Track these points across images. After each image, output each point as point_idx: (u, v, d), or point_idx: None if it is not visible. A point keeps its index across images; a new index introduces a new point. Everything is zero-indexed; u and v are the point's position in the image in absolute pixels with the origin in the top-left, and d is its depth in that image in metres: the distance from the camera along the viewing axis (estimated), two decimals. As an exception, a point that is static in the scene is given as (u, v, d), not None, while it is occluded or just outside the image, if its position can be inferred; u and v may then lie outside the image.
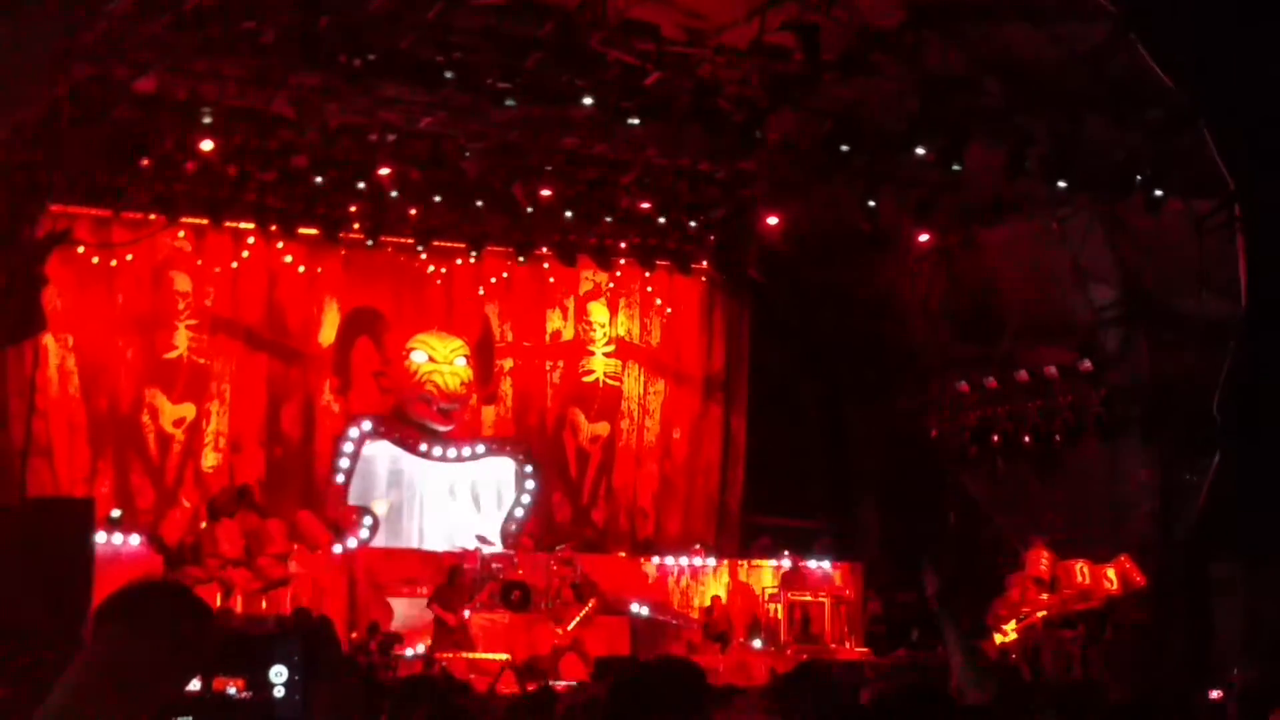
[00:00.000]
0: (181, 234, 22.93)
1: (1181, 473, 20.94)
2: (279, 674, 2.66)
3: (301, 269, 23.84)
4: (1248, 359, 19.64)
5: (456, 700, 8.22)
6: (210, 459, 23.30)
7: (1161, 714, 5.89)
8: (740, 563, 24.41)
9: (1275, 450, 19.37)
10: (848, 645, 23.29)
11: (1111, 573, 21.20)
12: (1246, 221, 19.46)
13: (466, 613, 21.15)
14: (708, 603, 23.30)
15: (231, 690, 2.72)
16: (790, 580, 23.80)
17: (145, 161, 20.77)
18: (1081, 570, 21.38)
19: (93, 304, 22.61)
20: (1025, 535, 22.47)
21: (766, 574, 24.16)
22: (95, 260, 22.41)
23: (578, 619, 21.07)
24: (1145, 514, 21.70)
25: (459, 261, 24.69)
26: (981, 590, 22.36)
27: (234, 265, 23.47)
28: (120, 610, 2.86)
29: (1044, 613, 21.23)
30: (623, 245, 25.18)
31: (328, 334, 24.21)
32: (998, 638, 21.54)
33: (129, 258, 22.73)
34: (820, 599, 23.72)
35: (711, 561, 24.27)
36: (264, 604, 20.95)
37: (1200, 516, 20.43)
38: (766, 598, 23.83)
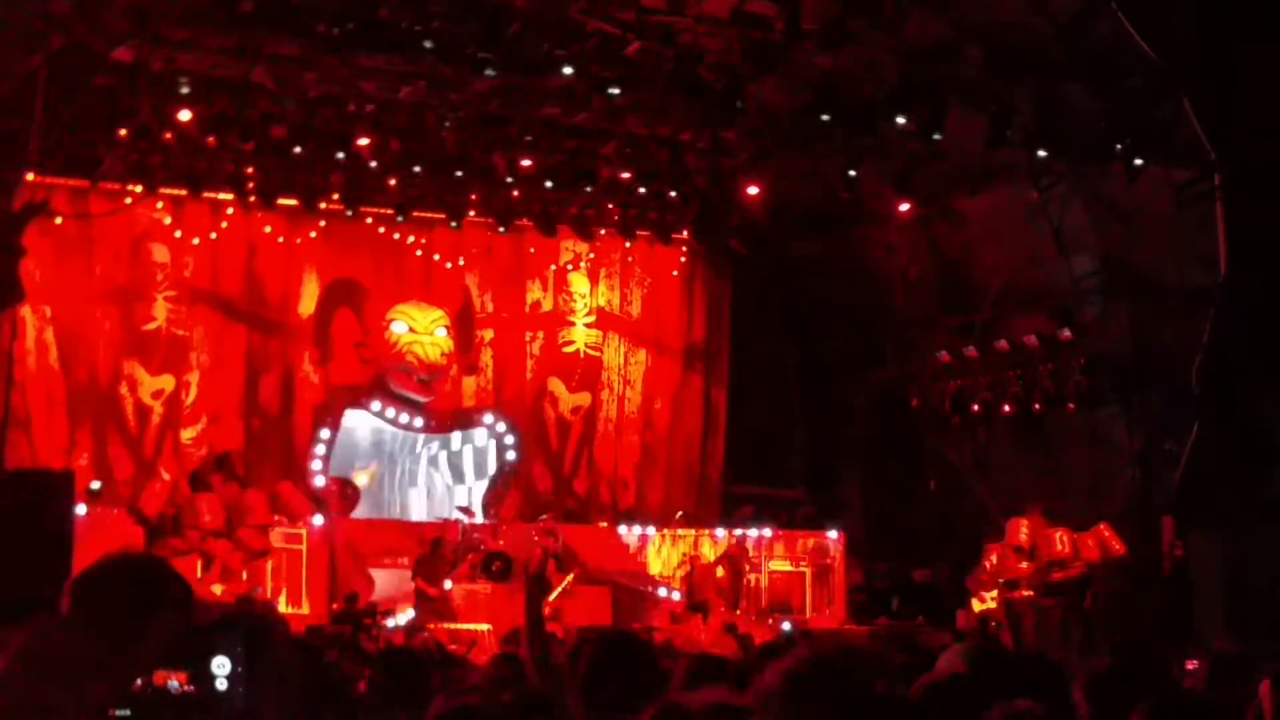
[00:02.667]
0: (160, 205, 22.83)
1: (1161, 442, 21.00)
2: (221, 666, 2.62)
3: (281, 240, 23.78)
4: (1227, 328, 19.67)
5: (451, 673, 8.22)
6: (189, 431, 23.25)
7: (1140, 681, 5.89)
8: (721, 532, 24.42)
9: (1253, 419, 19.43)
10: (828, 614, 23.35)
11: (1091, 541, 21.26)
12: (1226, 191, 19.47)
13: (448, 583, 21.16)
14: (687, 568, 23.30)
15: (173, 684, 2.67)
16: (773, 548, 23.82)
17: (123, 132, 20.65)
18: (1061, 539, 21.43)
19: (71, 275, 22.51)
20: (1005, 504, 22.51)
21: (748, 543, 24.17)
22: (73, 231, 22.31)
23: (559, 589, 21.08)
24: (1125, 483, 21.76)
25: (439, 232, 24.62)
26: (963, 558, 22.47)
27: (213, 236, 23.40)
28: (88, 591, 2.81)
29: (1023, 581, 21.29)
30: (603, 215, 25.13)
31: (307, 305, 24.15)
32: (977, 605, 21.61)
33: (107, 229, 22.61)
34: (801, 568, 23.77)
35: (692, 531, 24.27)
36: (245, 575, 20.93)
37: (1179, 485, 20.49)
38: (747, 567, 23.85)
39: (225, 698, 2.59)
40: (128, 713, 2.66)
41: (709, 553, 23.71)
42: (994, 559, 21.76)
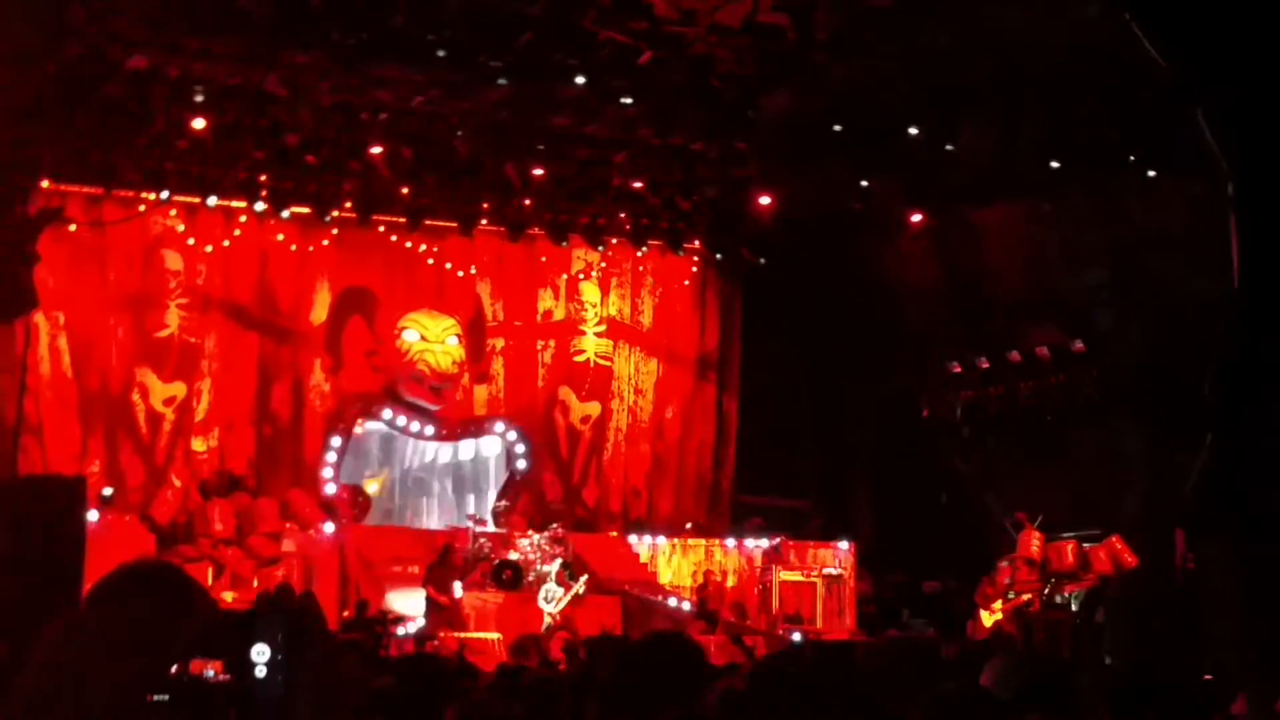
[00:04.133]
0: (173, 212, 22.84)
1: (1173, 453, 20.95)
2: (261, 653, 2.62)
3: (293, 248, 23.78)
4: (1239, 340, 19.63)
5: (466, 683, 8.20)
6: (200, 442, 23.24)
7: (1154, 695, 5.89)
8: (731, 542, 24.40)
9: (1267, 431, 19.38)
10: (839, 625, 23.30)
11: (1103, 553, 21.23)
12: (1239, 201, 19.44)
13: (458, 590, 21.14)
14: (700, 580, 23.29)
15: (210, 673, 2.67)
16: (772, 558, 23.80)
17: (137, 139, 20.71)
18: (1072, 551, 21.41)
19: (84, 282, 22.53)
20: (1017, 516, 22.47)
21: (758, 554, 24.15)
22: (87, 238, 22.34)
23: (568, 598, 21.07)
24: (1136, 495, 21.73)
25: (451, 240, 24.63)
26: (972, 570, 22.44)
27: (225, 244, 23.41)
28: (111, 591, 2.83)
29: (1031, 594, 21.25)
30: (615, 225, 25.12)
31: (319, 313, 24.16)
32: (986, 617, 21.57)
33: (120, 236, 22.64)
34: (812, 579, 23.73)
35: (703, 541, 24.25)
36: (255, 583, 20.94)
37: (1191, 498, 20.44)
38: (758, 578, 23.84)
39: (263, 685, 2.59)
40: (166, 698, 2.66)
41: (724, 560, 23.74)
42: (1006, 571, 21.73)
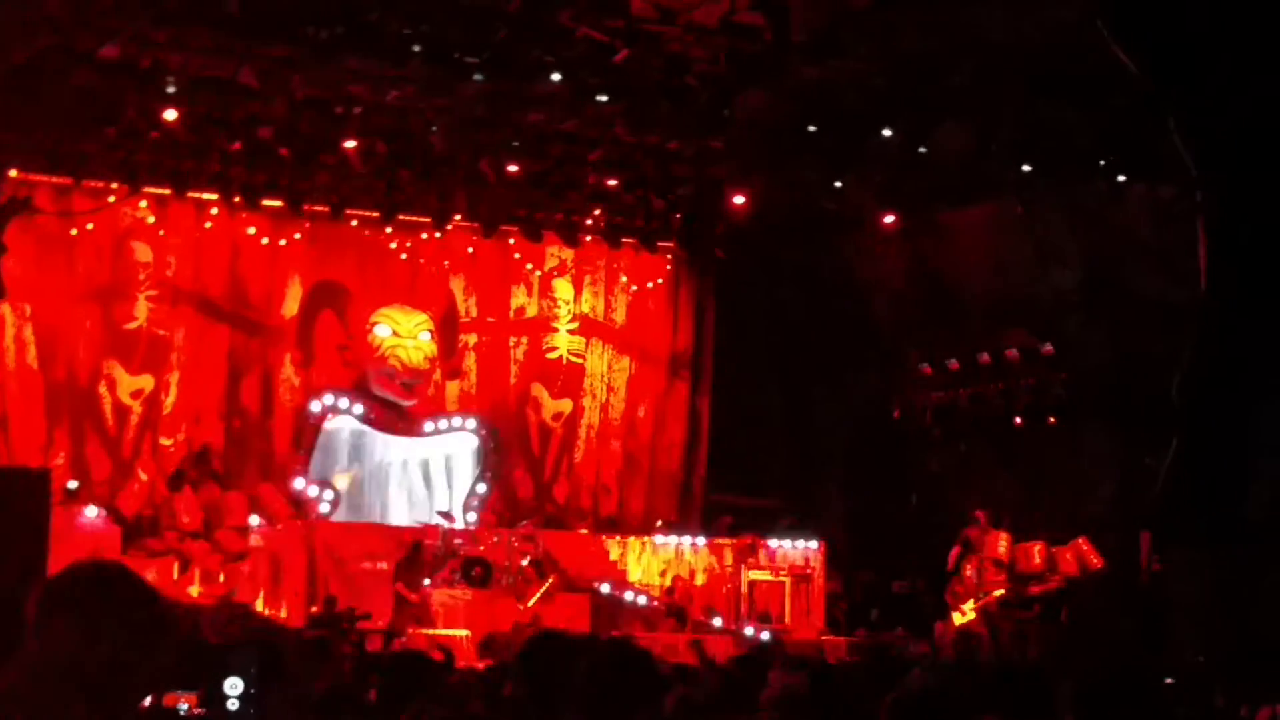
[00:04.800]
0: (143, 204, 22.76)
1: (1141, 457, 21.02)
2: (234, 686, 2.60)
3: (265, 241, 23.71)
4: (1208, 344, 19.71)
5: (444, 678, 8.19)
6: (168, 431, 23.16)
7: (1119, 697, 5.91)
8: (702, 541, 24.42)
9: (1234, 435, 19.46)
10: (807, 624, 23.34)
11: (1069, 555, 21.30)
12: (1207, 207, 19.52)
13: (427, 584, 21.11)
14: (669, 581, 23.31)
15: (183, 706, 2.66)
16: (745, 556, 23.83)
17: (108, 130, 20.61)
18: (1039, 552, 21.49)
19: (52, 273, 22.44)
20: (985, 516, 22.53)
21: (728, 553, 24.18)
22: (55, 229, 22.24)
23: (538, 595, 21.06)
24: (1104, 497, 21.81)
25: (424, 236, 24.58)
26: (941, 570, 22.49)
27: (196, 236, 23.33)
28: (70, 601, 2.77)
29: (1000, 593, 21.32)
30: (589, 222, 25.11)
31: (290, 307, 24.09)
32: (956, 618, 21.63)
33: (90, 227, 22.55)
34: (780, 578, 23.77)
35: (673, 540, 24.26)
36: (222, 577, 20.87)
37: (1158, 501, 20.51)
38: (727, 576, 23.86)
39: (236, 717, 2.58)
40: None
41: (694, 559, 23.78)
42: (974, 572, 21.79)
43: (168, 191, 22.40)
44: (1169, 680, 10.22)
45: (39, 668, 2.60)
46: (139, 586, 2.89)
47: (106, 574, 2.83)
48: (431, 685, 6.67)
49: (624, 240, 25.63)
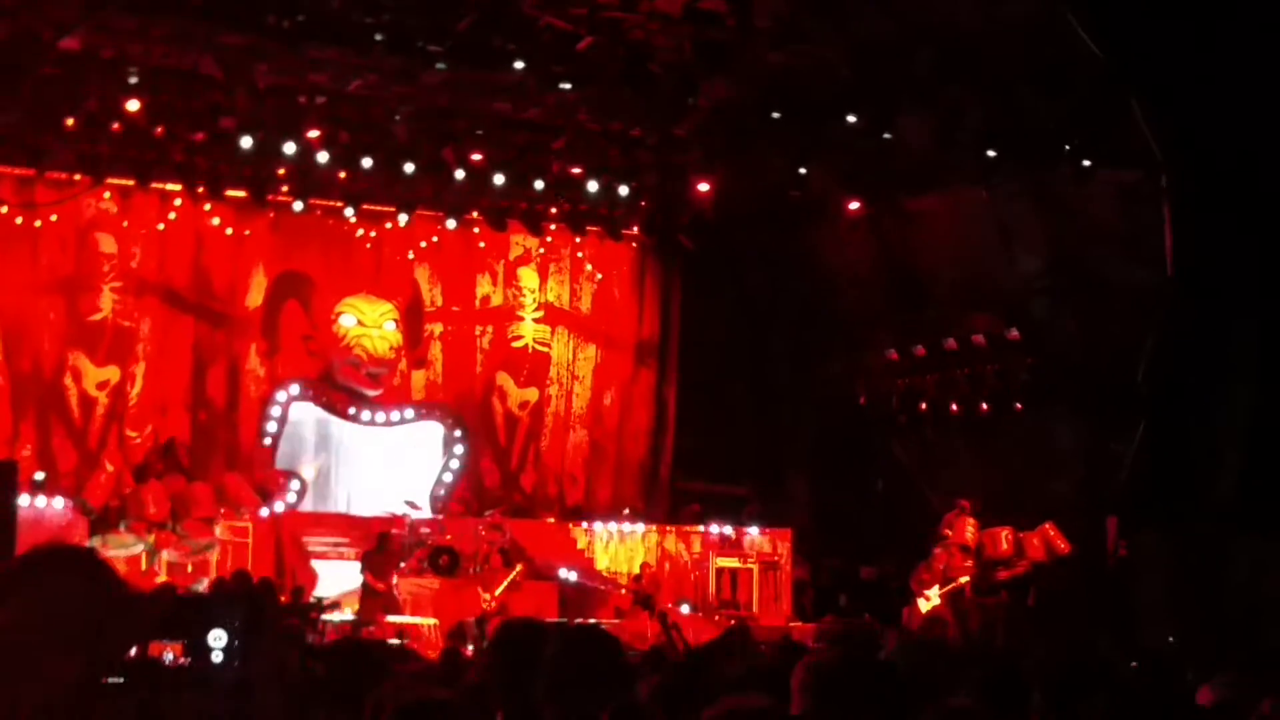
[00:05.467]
0: (107, 195, 22.66)
1: (1107, 441, 21.14)
2: (218, 638, 2.60)
3: (229, 231, 23.60)
4: (1173, 328, 19.83)
5: (396, 666, 8.17)
6: (134, 422, 23.07)
7: (1085, 681, 5.94)
8: (669, 529, 24.46)
9: (1199, 418, 19.59)
10: (775, 611, 23.42)
11: (1036, 540, 21.40)
12: (1172, 192, 19.63)
13: (395, 578, 21.10)
14: (637, 569, 23.33)
15: (168, 655, 2.66)
16: (723, 545, 23.92)
17: (70, 121, 20.49)
18: (1006, 537, 21.58)
19: (15, 265, 22.32)
20: (952, 502, 22.62)
21: (695, 540, 24.22)
22: (19, 220, 22.12)
23: (505, 584, 21.05)
24: (1070, 482, 21.90)
25: (388, 225, 24.49)
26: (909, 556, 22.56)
27: (160, 227, 23.22)
28: (21, 582, 2.78)
29: (967, 579, 21.40)
30: (553, 210, 25.07)
31: (255, 297, 24.01)
32: (922, 604, 21.71)
33: (53, 218, 22.41)
34: (749, 565, 23.83)
35: (640, 527, 24.30)
36: (190, 568, 20.81)
37: (1124, 485, 20.65)
38: (694, 564, 23.92)
39: (220, 669, 2.58)
40: (120, 680, 2.63)
41: (660, 547, 23.83)
42: (941, 557, 21.88)
43: (131, 182, 22.30)
44: (1135, 663, 10.28)
45: (13, 628, 2.60)
46: (101, 562, 2.89)
47: (73, 550, 2.84)
48: (388, 672, 6.66)
49: (589, 228, 25.61)
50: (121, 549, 20.37)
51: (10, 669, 2.59)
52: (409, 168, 22.62)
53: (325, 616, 19.47)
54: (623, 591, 22.79)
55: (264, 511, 21.95)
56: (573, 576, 22.70)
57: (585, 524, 24.26)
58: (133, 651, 2.58)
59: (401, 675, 6.59)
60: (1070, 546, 21.01)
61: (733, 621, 21.51)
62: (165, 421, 23.25)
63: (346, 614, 20.33)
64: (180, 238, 23.45)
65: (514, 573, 21.32)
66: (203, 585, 20.25)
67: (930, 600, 21.63)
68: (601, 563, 23.69)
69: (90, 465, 22.47)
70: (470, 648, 17.69)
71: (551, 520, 24.68)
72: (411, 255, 25.09)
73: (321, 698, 6.10)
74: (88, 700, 2.61)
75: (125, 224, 23.00)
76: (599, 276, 26.58)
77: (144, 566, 20.46)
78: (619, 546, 23.93)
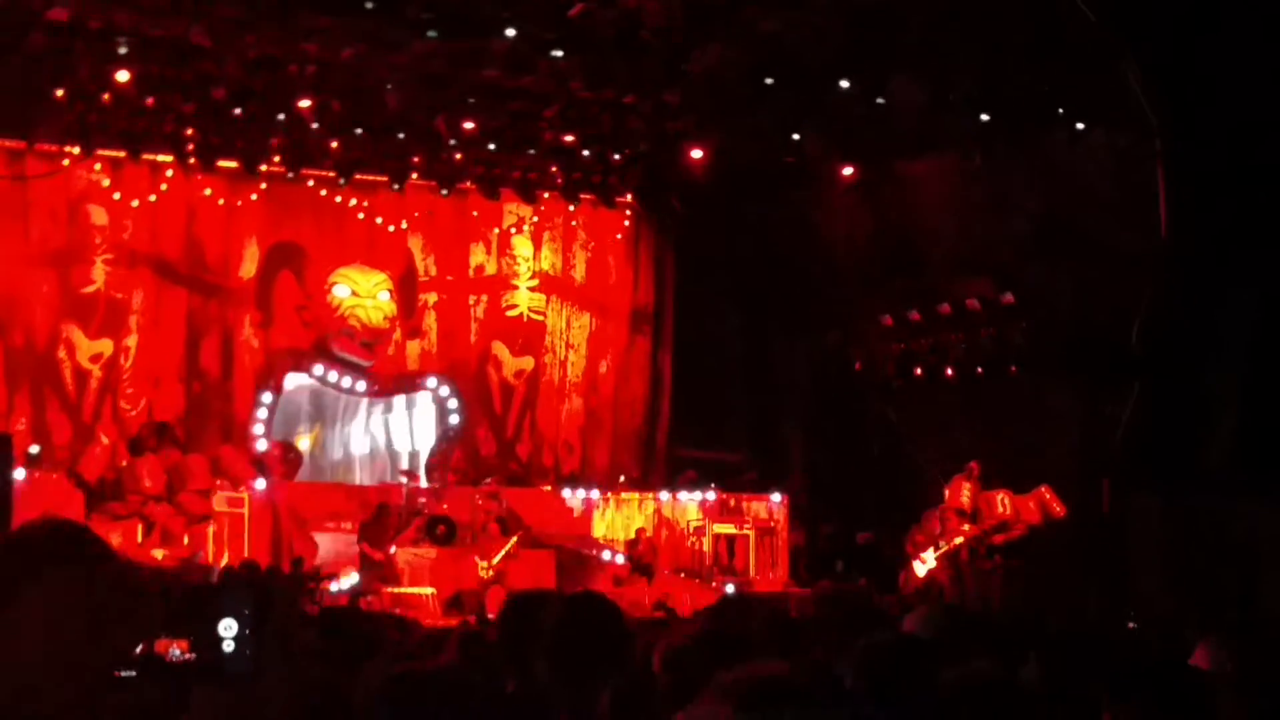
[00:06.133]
0: (98, 166, 22.60)
1: (1102, 404, 21.13)
2: (228, 628, 2.58)
3: (221, 202, 23.56)
4: (1167, 292, 19.81)
5: (392, 634, 8.18)
6: (128, 395, 23.05)
7: (1082, 643, 5.94)
8: (665, 496, 24.47)
9: (1193, 382, 19.58)
10: (771, 577, 23.46)
11: (1032, 503, 21.41)
12: (1166, 155, 19.58)
13: (392, 548, 21.12)
14: (633, 536, 23.35)
15: (175, 652, 2.63)
16: (717, 511, 23.95)
17: (60, 92, 20.41)
18: (1003, 501, 21.59)
19: (7, 237, 22.28)
20: (947, 467, 22.63)
21: (691, 507, 24.24)
22: (9, 193, 22.07)
23: (502, 553, 21.07)
24: (1066, 446, 21.90)
25: (381, 195, 24.46)
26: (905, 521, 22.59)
27: (152, 199, 23.16)
28: (38, 564, 2.75)
29: (961, 540, 21.42)
30: (546, 178, 25.03)
31: (248, 268, 23.97)
32: (918, 567, 21.73)
33: (44, 191, 22.36)
34: (745, 531, 23.85)
35: (637, 495, 24.32)
36: (186, 540, 20.81)
37: (1119, 448, 20.65)
38: (691, 530, 23.95)
39: (231, 659, 2.56)
40: (133, 674, 2.62)
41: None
42: (936, 521, 21.90)
43: (122, 154, 22.26)
44: (1132, 625, 10.30)
45: (15, 632, 2.58)
46: (99, 542, 2.86)
47: (66, 532, 2.80)
48: (382, 641, 6.66)
49: (582, 196, 25.59)
50: (118, 521, 20.36)
51: (18, 664, 2.57)
52: (401, 137, 22.58)
53: (325, 587, 19.53)
54: (620, 560, 22.83)
55: (260, 483, 21.94)
56: (571, 546, 22.73)
57: (582, 492, 24.28)
58: (139, 649, 2.58)
59: (395, 644, 6.59)
60: (1066, 509, 21.02)
61: (730, 589, 21.59)
62: (159, 394, 23.23)
63: (345, 584, 20.33)
64: (172, 209, 23.39)
65: (511, 542, 21.33)
66: (198, 558, 20.26)
67: (926, 564, 21.66)
68: (598, 530, 23.72)
69: (85, 438, 22.46)
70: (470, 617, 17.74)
71: (548, 488, 24.69)
72: (405, 225, 25.05)
73: (315, 668, 6.10)
74: (98, 693, 2.60)
75: (117, 196, 22.94)
76: (592, 244, 26.56)
77: (140, 539, 20.45)
78: (615, 514, 23.95)
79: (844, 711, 3.24)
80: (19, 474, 18.26)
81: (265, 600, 2.61)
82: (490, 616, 17.48)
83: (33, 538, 2.79)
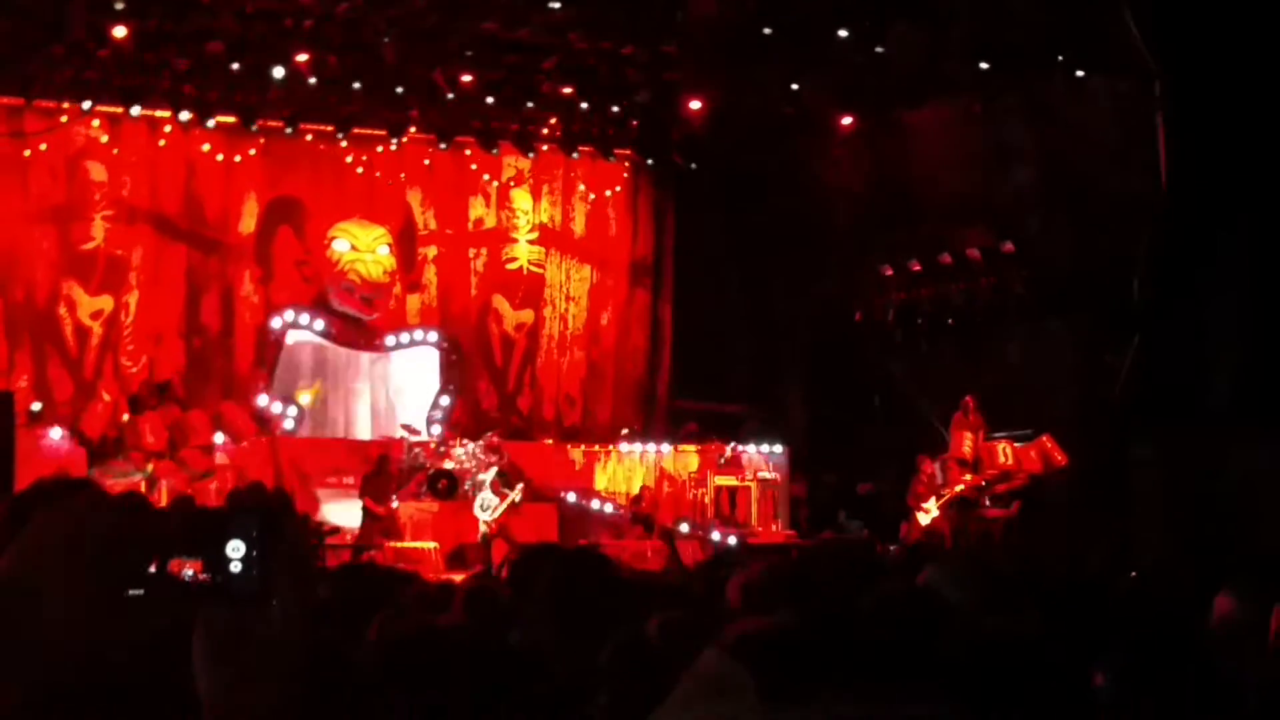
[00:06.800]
0: (96, 123, 22.54)
1: (1102, 352, 21.13)
2: (236, 549, 2.61)
3: (220, 158, 23.51)
4: (1168, 238, 19.77)
5: (402, 589, 8.19)
6: (129, 351, 23.06)
7: (1084, 593, 5.95)
8: (667, 448, 24.50)
9: (1193, 329, 19.57)
10: (774, 528, 23.51)
11: (1033, 453, 21.43)
12: (1165, 100, 19.52)
13: (394, 502, 21.16)
14: (636, 489, 23.39)
15: (188, 573, 2.67)
16: (727, 465, 23.98)
17: (57, 49, 20.33)
18: (1004, 451, 21.60)
19: (6, 195, 22.24)
20: (948, 416, 22.64)
21: (693, 459, 24.28)
22: (7, 150, 22.02)
23: (504, 506, 21.11)
24: (1067, 394, 21.91)
25: (379, 149, 24.41)
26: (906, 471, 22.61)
27: (150, 155, 23.11)
28: (52, 496, 2.80)
29: (961, 487, 21.44)
30: (544, 131, 24.97)
31: (248, 223, 23.94)
32: (921, 518, 21.76)
33: (43, 147, 22.32)
34: (747, 483, 23.90)
35: (639, 447, 24.35)
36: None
37: (1120, 396, 20.65)
38: (693, 483, 23.98)
39: (239, 579, 2.59)
40: (141, 593, 2.65)
41: (659, 466, 23.90)
42: (936, 470, 21.92)
43: (120, 110, 22.19)
44: (1134, 573, 10.31)
45: (32, 551, 2.61)
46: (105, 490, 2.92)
47: (79, 480, 2.86)
48: (393, 596, 6.67)
49: (581, 149, 25.52)
50: (121, 478, 20.40)
51: (25, 590, 2.61)
52: (399, 90, 22.50)
53: (329, 543, 19.56)
54: (622, 512, 22.88)
55: (262, 438, 21.95)
56: (572, 498, 22.79)
57: (583, 445, 24.31)
58: (152, 568, 2.62)
59: (404, 599, 6.59)
60: (1068, 458, 21.05)
61: (731, 540, 21.65)
62: (160, 350, 23.24)
63: (348, 539, 20.38)
64: (171, 165, 23.35)
65: (513, 495, 21.37)
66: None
67: (929, 513, 21.69)
68: (600, 483, 23.76)
69: (87, 395, 22.48)
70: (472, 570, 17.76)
71: (549, 442, 24.72)
72: (403, 178, 25.00)
73: (325, 622, 6.11)
74: (110, 614, 2.63)
75: (115, 152, 22.89)
76: (592, 197, 26.51)
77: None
78: (617, 467, 23.99)
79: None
80: (21, 431, 18.29)
81: (273, 523, 2.64)
82: (495, 569, 17.53)
83: (42, 483, 2.83)
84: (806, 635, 3.15)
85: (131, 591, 2.59)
